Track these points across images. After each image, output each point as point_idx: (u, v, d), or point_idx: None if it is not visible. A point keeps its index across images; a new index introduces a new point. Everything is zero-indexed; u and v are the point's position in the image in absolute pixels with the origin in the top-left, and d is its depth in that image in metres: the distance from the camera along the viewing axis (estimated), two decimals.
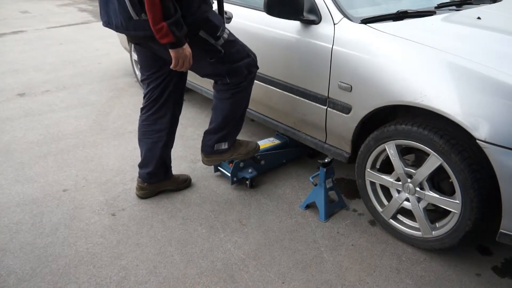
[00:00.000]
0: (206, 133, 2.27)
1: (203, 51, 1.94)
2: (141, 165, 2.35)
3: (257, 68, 2.16)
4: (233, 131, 2.26)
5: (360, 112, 1.98)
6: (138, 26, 1.80)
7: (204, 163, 2.38)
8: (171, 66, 1.87)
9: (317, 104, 2.19)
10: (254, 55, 2.14)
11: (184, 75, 2.21)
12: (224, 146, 2.26)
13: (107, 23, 1.94)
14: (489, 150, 1.55)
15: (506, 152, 1.51)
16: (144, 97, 2.22)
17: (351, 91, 1.98)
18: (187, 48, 1.82)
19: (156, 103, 2.18)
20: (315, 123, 2.27)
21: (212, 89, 2.20)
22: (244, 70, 2.06)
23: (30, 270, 1.89)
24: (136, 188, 2.42)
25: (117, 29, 1.90)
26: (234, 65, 2.03)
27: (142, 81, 2.23)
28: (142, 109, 2.25)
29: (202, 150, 2.33)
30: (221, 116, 2.17)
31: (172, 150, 2.34)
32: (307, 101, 2.24)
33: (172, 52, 1.80)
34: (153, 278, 1.85)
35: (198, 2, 1.85)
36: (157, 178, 2.37)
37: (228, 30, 2.02)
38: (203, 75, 2.14)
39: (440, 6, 2.30)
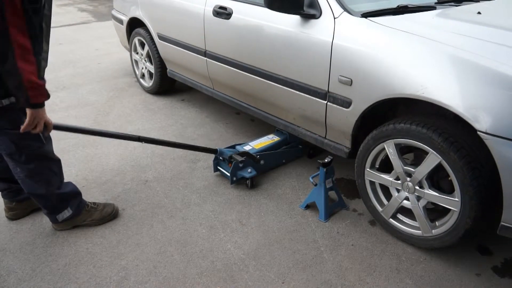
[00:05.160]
0: None
1: None
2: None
3: None
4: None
5: (360, 106, 1.97)
6: None
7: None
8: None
9: (317, 99, 2.18)
10: None
11: None
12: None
13: None
14: (490, 142, 1.54)
15: (507, 143, 1.50)
16: None
17: (351, 84, 1.98)
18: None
19: None
20: (315, 118, 2.27)
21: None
22: None
23: (30, 270, 1.90)
24: (4, 210, 2.23)
25: None
26: None
27: None
28: None
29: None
30: None
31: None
32: (307, 95, 2.23)
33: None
34: (153, 278, 1.85)
35: None
36: (23, 195, 2.16)
37: None
38: None
39: (440, 1, 2.30)
